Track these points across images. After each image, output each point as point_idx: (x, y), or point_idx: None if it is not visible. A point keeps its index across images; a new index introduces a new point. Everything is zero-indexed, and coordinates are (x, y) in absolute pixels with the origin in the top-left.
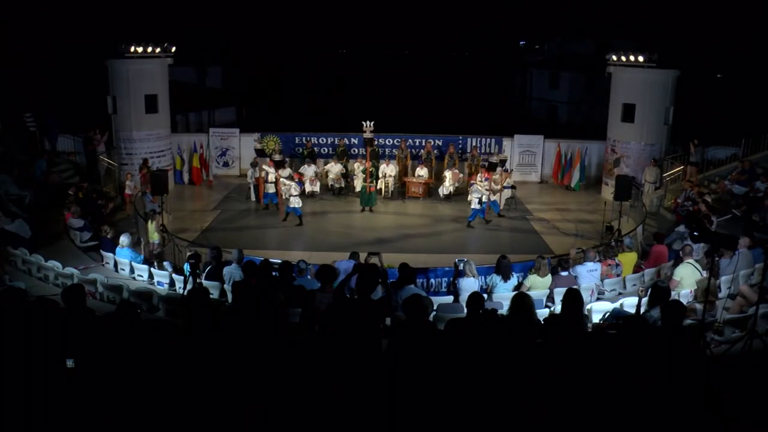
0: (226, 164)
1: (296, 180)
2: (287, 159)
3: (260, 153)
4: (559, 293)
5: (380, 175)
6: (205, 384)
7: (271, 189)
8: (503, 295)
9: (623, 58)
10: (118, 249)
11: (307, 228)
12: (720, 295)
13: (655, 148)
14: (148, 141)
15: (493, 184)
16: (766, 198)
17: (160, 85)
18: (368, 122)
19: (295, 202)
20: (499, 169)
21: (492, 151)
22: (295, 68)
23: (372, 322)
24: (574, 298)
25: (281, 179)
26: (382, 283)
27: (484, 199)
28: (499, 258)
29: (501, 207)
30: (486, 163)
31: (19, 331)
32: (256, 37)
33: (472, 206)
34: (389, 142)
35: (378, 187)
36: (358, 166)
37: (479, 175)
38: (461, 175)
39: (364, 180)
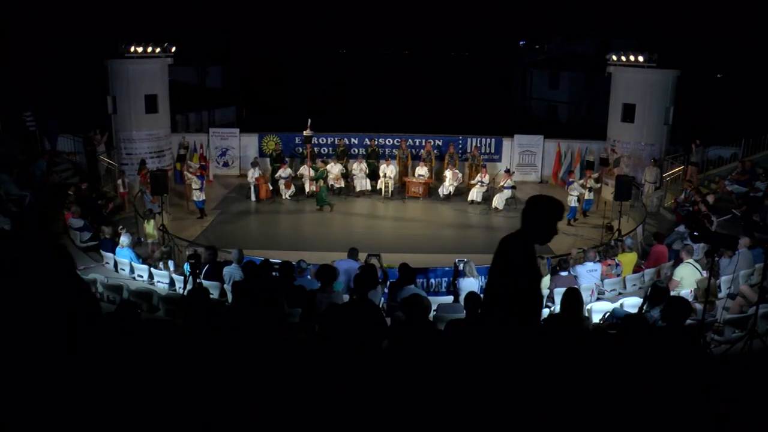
0: (226, 164)
1: (198, 174)
2: (287, 158)
3: (181, 158)
4: (559, 293)
5: (380, 175)
6: (205, 384)
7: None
8: None
9: (623, 58)
10: (118, 249)
11: (307, 228)
12: (720, 295)
13: (655, 148)
14: (148, 141)
15: (591, 181)
16: (766, 198)
17: (160, 85)
18: (308, 120)
19: (196, 196)
20: (608, 168)
21: (596, 152)
22: (294, 68)
23: (368, 322)
24: (573, 298)
25: (185, 172)
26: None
27: (586, 196)
28: None
29: (501, 207)
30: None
31: (19, 331)
32: (256, 37)
33: (572, 204)
34: (389, 142)
35: (378, 187)
36: (357, 166)
37: (479, 174)
38: (460, 175)
39: (323, 180)
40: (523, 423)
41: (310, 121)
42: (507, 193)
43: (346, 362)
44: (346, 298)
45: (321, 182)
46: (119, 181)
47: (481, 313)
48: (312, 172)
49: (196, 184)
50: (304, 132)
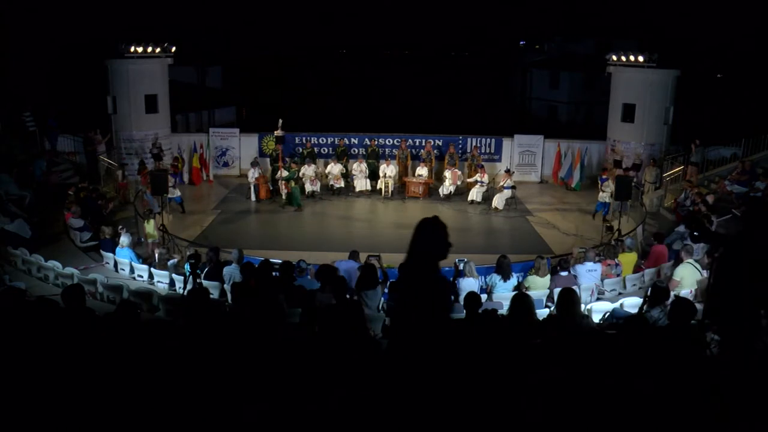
0: (226, 164)
1: (172, 172)
2: (287, 159)
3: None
4: None
5: (380, 175)
6: (205, 384)
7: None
8: (503, 295)
9: (623, 58)
10: (118, 249)
11: (307, 228)
12: None
13: (655, 148)
14: (148, 141)
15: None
16: (766, 198)
17: (160, 85)
18: (279, 121)
19: (171, 192)
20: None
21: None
22: (294, 68)
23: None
24: (568, 298)
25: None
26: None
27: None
28: (500, 258)
29: (501, 207)
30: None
31: (19, 331)
32: (256, 37)
33: (603, 200)
34: (389, 142)
35: (378, 187)
36: (357, 166)
37: (478, 174)
38: (460, 173)
39: (290, 180)
40: (522, 423)
41: (281, 121)
42: (507, 193)
43: (346, 363)
44: None
45: (293, 183)
46: (118, 172)
47: (714, 309)
48: (284, 172)
49: (170, 181)
50: (275, 132)
